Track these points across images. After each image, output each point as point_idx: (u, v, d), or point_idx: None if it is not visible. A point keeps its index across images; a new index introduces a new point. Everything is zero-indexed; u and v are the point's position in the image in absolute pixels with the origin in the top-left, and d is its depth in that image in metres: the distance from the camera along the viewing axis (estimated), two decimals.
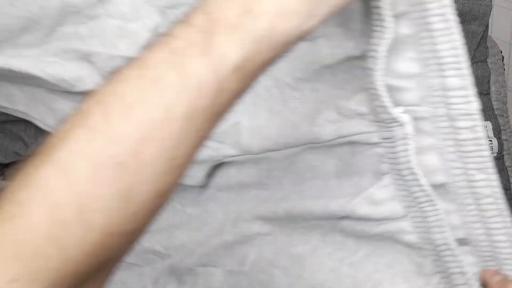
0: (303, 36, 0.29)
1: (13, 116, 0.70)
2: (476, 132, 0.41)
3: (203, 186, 0.59)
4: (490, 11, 0.66)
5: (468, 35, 0.69)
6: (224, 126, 0.52)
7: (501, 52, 0.70)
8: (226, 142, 0.55)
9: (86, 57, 0.52)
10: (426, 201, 0.44)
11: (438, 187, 0.44)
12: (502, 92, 0.68)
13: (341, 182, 0.49)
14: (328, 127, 0.48)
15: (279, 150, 0.52)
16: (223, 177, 0.58)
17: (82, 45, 0.52)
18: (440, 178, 0.44)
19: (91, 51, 0.52)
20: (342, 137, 0.47)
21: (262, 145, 0.52)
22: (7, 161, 0.73)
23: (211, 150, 0.56)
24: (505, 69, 0.75)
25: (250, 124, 0.53)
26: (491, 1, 0.66)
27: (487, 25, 0.67)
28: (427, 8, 0.39)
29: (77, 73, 0.52)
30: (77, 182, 0.26)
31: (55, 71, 0.52)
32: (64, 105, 0.56)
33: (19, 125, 0.71)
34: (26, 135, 0.71)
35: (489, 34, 0.70)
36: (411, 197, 0.45)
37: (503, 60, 0.72)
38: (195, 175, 0.58)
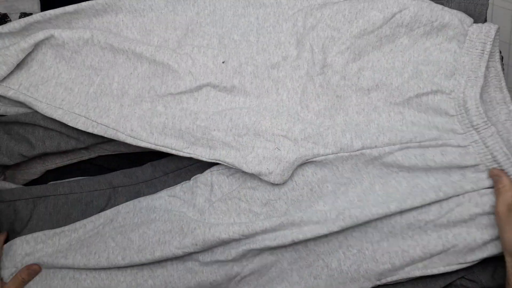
0: None
1: (22, 117, 0.71)
2: None
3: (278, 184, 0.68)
4: (486, 10, 0.66)
5: None
6: (320, 128, 0.65)
7: (500, 52, 0.70)
8: (319, 143, 0.65)
9: None
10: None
11: None
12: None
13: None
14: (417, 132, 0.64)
15: (376, 147, 0.64)
16: (303, 175, 0.68)
17: None
18: None
19: None
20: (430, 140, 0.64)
21: (363, 143, 0.64)
22: (11, 163, 0.74)
23: (304, 149, 0.65)
24: (505, 70, 0.75)
25: (351, 127, 0.66)
26: (487, 0, 0.66)
27: None
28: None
29: None
30: None
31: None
32: None
33: (26, 126, 0.72)
34: (33, 137, 0.72)
35: None
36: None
37: (502, 60, 0.72)
38: (286, 174, 0.66)
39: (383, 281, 0.67)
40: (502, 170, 0.62)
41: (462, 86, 0.63)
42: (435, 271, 0.65)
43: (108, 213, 0.72)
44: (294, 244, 0.67)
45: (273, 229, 0.65)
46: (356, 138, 0.65)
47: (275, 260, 0.68)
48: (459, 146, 0.63)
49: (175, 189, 0.73)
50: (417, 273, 0.66)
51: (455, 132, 0.64)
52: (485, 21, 0.67)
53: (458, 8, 0.66)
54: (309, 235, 0.64)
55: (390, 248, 0.66)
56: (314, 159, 0.66)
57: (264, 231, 0.65)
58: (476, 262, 0.65)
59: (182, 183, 0.73)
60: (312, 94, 0.67)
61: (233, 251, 0.66)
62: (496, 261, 0.66)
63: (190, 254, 0.67)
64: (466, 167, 0.63)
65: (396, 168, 0.65)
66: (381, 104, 0.66)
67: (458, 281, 0.67)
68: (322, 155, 0.65)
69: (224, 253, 0.66)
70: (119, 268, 0.68)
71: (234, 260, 0.66)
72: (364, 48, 0.65)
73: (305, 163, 0.67)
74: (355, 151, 0.65)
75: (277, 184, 0.68)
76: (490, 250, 0.64)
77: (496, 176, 0.61)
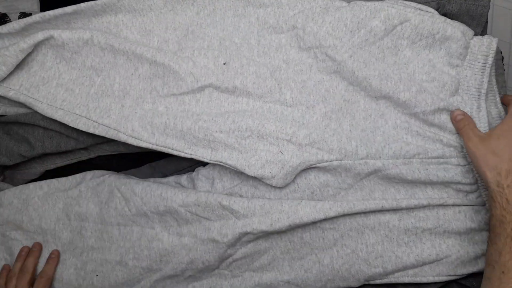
0: None
1: (21, 117, 0.71)
2: None
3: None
4: (488, 11, 0.66)
5: None
6: (325, 133, 0.65)
7: (501, 52, 0.70)
8: (323, 148, 0.65)
9: None
10: None
11: None
12: (502, 93, 0.68)
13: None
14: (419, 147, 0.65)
15: (380, 158, 0.65)
16: (305, 178, 0.68)
17: None
18: None
19: None
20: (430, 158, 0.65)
21: (368, 151, 0.64)
22: (11, 163, 0.74)
23: (308, 154, 0.65)
24: (505, 69, 0.75)
25: (357, 133, 0.66)
26: (488, 1, 0.66)
27: (485, 25, 0.68)
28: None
29: None
30: None
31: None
32: None
33: (26, 127, 0.72)
34: (33, 137, 0.72)
35: (489, 34, 0.70)
36: None
37: (503, 60, 0.72)
38: (288, 178, 0.66)
39: (372, 282, 0.68)
40: (463, 111, 0.64)
41: (468, 105, 0.64)
42: (424, 280, 0.67)
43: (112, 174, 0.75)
44: (290, 234, 0.67)
45: (270, 207, 0.65)
46: (362, 146, 0.65)
47: (268, 247, 0.68)
48: (459, 165, 0.65)
49: (181, 177, 0.74)
50: (406, 279, 0.67)
51: (457, 149, 0.65)
52: (486, 22, 0.67)
53: (460, 9, 0.66)
54: (305, 219, 0.64)
55: (384, 253, 0.66)
56: (318, 165, 0.66)
57: (263, 206, 0.66)
58: (464, 275, 0.66)
59: (187, 173, 0.75)
60: (318, 96, 0.67)
61: (230, 232, 0.66)
62: None
63: (188, 227, 0.68)
64: (463, 184, 0.65)
65: (398, 179, 0.66)
66: (388, 112, 0.66)
67: (450, 285, 0.68)
68: (326, 161, 0.65)
69: (221, 232, 0.66)
70: (119, 232, 0.71)
71: (229, 243, 0.66)
72: (368, 59, 0.65)
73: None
74: (360, 159, 0.65)
75: None
76: (480, 265, 0.65)
77: (458, 116, 0.63)
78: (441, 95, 0.64)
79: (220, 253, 0.67)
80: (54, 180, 0.75)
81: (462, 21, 0.66)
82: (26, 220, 0.72)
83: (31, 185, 0.74)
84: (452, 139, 0.65)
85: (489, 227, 0.60)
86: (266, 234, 0.66)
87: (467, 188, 0.65)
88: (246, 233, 0.66)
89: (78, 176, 0.75)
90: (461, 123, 0.63)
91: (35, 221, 0.72)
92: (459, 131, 0.64)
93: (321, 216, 0.64)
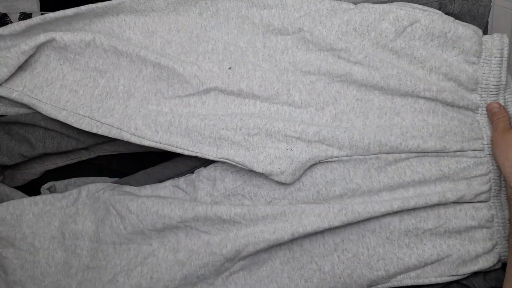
0: None
1: (22, 118, 0.71)
2: None
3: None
4: (489, 12, 0.67)
5: None
6: (336, 131, 0.64)
7: None
8: (334, 145, 0.65)
9: None
10: None
11: None
12: None
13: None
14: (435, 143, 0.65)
15: (393, 153, 0.65)
16: (311, 177, 0.67)
17: None
18: None
19: None
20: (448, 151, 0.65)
21: (380, 149, 0.64)
22: (11, 163, 0.73)
23: (318, 150, 0.65)
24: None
25: (371, 130, 0.65)
26: (490, 1, 0.67)
27: (486, 26, 0.68)
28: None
29: None
30: None
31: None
32: None
33: (27, 127, 0.72)
34: (34, 137, 0.72)
35: (489, 34, 0.71)
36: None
37: None
38: (297, 174, 0.65)
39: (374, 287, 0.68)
40: (500, 104, 0.64)
41: (488, 102, 0.65)
42: (426, 281, 0.66)
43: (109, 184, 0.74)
44: (290, 242, 0.66)
45: (273, 217, 0.65)
46: (375, 143, 0.65)
47: (267, 258, 0.67)
48: (475, 157, 0.65)
49: (179, 180, 0.73)
50: (409, 282, 0.67)
51: (477, 142, 0.65)
52: (487, 22, 0.68)
53: (461, 9, 0.66)
54: (309, 228, 0.64)
55: (386, 255, 0.66)
56: (327, 160, 0.66)
57: (265, 217, 0.65)
58: (466, 275, 0.66)
59: (186, 175, 0.73)
60: (328, 97, 0.67)
61: (230, 243, 0.65)
62: None
63: (185, 241, 0.67)
64: (474, 177, 0.65)
65: (408, 178, 0.65)
66: (404, 110, 0.66)
67: (451, 285, 0.68)
68: (336, 157, 0.65)
69: (220, 244, 0.65)
70: (115, 250, 0.69)
71: (227, 255, 0.65)
72: (383, 59, 0.65)
73: (315, 164, 0.67)
74: (371, 155, 0.65)
75: (283, 184, 0.67)
76: (482, 264, 0.65)
77: (494, 109, 0.64)
78: (459, 93, 0.64)
79: (216, 267, 0.66)
80: (49, 196, 0.72)
81: (463, 21, 0.66)
82: (19, 237, 0.70)
83: (25, 200, 0.72)
84: (475, 130, 0.65)
85: (510, 224, 0.61)
86: (267, 244, 0.65)
87: (478, 180, 0.65)
88: (247, 245, 0.65)
89: (74, 192, 0.72)
90: (495, 116, 0.63)
91: (28, 239, 0.70)
92: (491, 124, 0.64)
93: (326, 225, 0.64)
